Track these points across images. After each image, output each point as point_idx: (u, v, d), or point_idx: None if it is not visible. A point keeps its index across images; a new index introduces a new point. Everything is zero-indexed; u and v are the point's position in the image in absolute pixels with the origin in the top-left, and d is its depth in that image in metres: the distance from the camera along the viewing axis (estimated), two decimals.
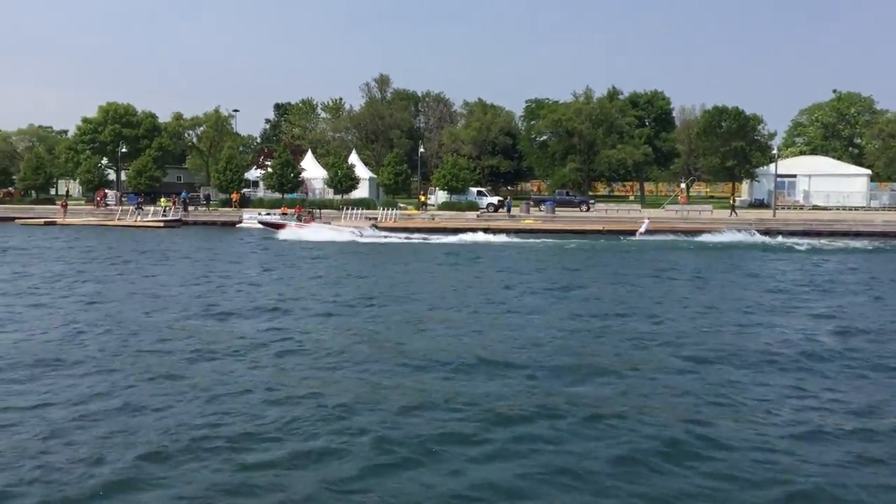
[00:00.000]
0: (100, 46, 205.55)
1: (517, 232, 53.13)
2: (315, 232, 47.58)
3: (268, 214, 61.15)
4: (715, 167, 74.64)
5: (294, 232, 47.74)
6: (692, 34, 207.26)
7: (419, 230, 56.00)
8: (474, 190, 69.96)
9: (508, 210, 65.05)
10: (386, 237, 48.16)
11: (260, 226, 57.07)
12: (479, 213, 64.94)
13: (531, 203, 68.55)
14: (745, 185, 78.21)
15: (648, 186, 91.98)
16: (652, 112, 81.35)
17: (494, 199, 69.26)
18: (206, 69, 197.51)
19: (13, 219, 62.72)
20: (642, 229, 50.46)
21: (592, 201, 70.30)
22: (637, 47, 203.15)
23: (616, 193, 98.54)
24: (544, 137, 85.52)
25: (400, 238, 47.54)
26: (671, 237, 47.96)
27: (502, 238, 47.37)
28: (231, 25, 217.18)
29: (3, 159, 79.02)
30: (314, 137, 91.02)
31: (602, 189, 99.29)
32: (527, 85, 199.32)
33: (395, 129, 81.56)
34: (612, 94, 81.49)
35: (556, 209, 64.24)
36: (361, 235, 47.96)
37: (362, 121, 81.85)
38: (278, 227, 49.95)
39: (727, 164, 71.68)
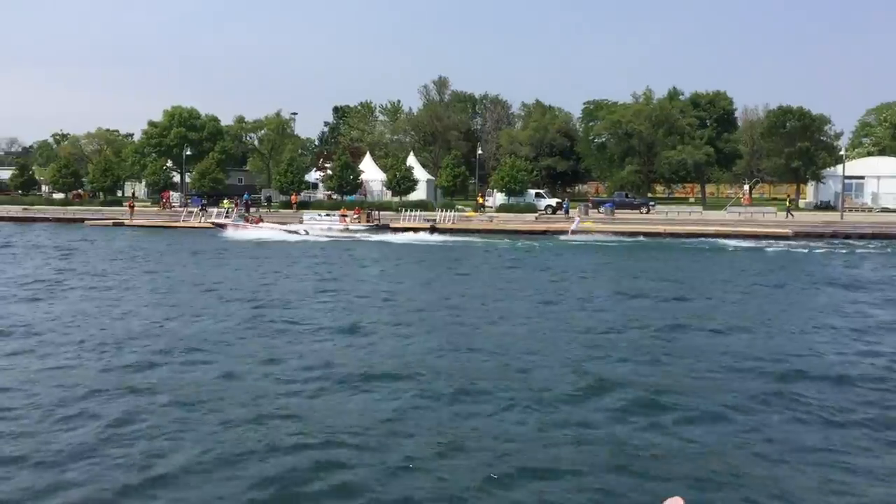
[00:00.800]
0: (163, 52, 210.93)
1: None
2: (255, 232, 50.48)
3: (327, 216, 62.05)
4: (779, 168, 73.08)
5: (237, 231, 50.98)
6: (756, 33, 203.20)
7: (477, 232, 56.18)
8: (532, 192, 69.67)
9: (566, 212, 64.64)
10: (330, 237, 50.71)
11: (318, 227, 58.10)
12: (537, 214, 64.66)
13: (590, 205, 68.01)
14: (810, 187, 76.32)
15: (709, 188, 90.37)
16: (714, 112, 79.90)
17: (553, 201, 68.86)
18: (266, 73, 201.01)
19: (83, 220, 64.61)
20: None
21: (652, 203, 69.37)
22: (699, 47, 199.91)
23: (676, 195, 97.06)
24: (603, 139, 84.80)
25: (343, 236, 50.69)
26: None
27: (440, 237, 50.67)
28: (291, 29, 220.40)
29: (74, 162, 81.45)
30: (372, 140, 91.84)
31: (661, 191, 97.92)
32: (585, 86, 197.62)
33: (452, 130, 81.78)
34: (673, 95, 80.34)
35: (616, 211, 63.61)
36: (306, 234, 51.20)
37: (420, 123, 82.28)
38: (223, 227, 52.87)
39: (792, 166, 70.11)
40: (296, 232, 51.46)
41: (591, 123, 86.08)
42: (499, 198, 70.18)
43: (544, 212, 66.18)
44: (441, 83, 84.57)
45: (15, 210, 71.15)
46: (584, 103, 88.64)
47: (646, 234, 51.72)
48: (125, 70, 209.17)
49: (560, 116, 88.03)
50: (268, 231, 50.95)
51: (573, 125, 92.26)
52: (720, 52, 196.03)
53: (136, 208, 66.53)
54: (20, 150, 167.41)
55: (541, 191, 72.17)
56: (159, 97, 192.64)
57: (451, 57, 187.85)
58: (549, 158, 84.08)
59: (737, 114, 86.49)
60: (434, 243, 45.74)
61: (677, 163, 74.79)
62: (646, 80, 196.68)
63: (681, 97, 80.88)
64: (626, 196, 70.60)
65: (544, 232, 54.90)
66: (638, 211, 66.24)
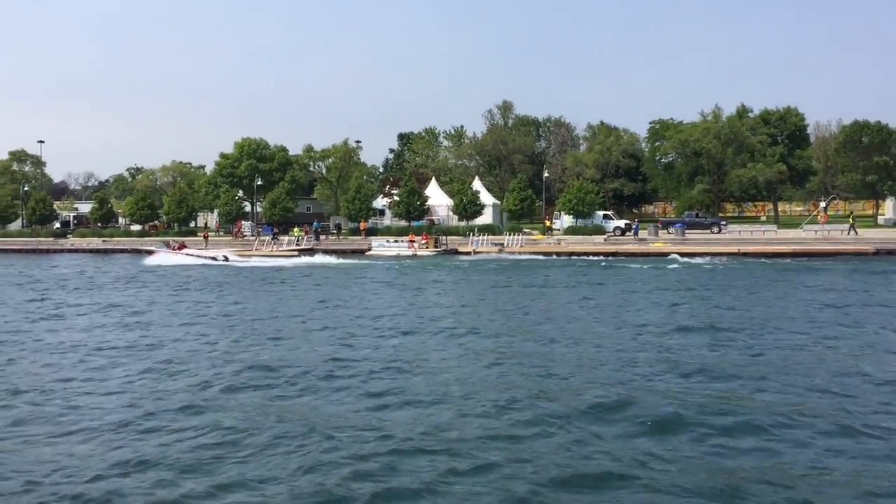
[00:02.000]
0: (233, 86, 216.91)
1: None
2: (176, 258, 53.59)
3: (395, 242, 62.72)
4: (855, 184, 71.07)
5: (158, 257, 54.23)
6: (826, 46, 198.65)
7: (545, 254, 55.97)
8: (600, 213, 69.14)
9: (636, 233, 63.89)
10: (247, 263, 52.90)
11: (386, 253, 58.95)
12: (605, 236, 64.12)
13: (659, 225, 67.16)
14: (888, 203, 73.93)
15: (781, 206, 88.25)
16: (785, 129, 78.16)
17: (621, 223, 68.20)
18: (332, 102, 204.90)
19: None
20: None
21: (724, 222, 68.10)
22: (767, 63, 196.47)
23: (746, 214, 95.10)
24: (670, 159, 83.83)
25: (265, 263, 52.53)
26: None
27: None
28: (355, 59, 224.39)
29: (150, 195, 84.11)
30: (437, 165, 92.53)
31: (731, 210, 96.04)
32: (650, 106, 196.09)
33: (517, 154, 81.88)
34: (742, 112, 78.93)
35: (686, 231, 62.64)
36: (226, 259, 54.13)
37: (485, 147, 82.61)
38: (150, 252, 56.78)
39: (868, 181, 68.10)
40: (214, 258, 54.35)
41: (657, 143, 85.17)
42: (566, 220, 69.81)
43: (613, 233, 65.57)
44: (505, 107, 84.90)
45: (95, 242, 73.75)
46: (650, 123, 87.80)
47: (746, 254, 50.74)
48: (197, 104, 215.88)
49: (625, 137, 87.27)
50: (188, 257, 54.12)
51: (639, 146, 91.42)
52: (789, 68, 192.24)
53: (209, 238, 68.22)
54: (97, 184, 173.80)
55: (608, 212, 71.56)
56: (230, 129, 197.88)
57: (514, 81, 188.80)
58: (616, 180, 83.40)
59: (808, 130, 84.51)
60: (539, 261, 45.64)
61: (748, 181, 73.35)
62: (713, 97, 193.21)
63: (750, 114, 79.41)
64: (697, 216, 69.49)
65: (614, 253, 54.47)
66: (709, 231, 65.10)
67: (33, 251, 70.61)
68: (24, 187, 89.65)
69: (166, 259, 53.54)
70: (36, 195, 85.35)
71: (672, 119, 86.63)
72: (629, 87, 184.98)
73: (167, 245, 58.58)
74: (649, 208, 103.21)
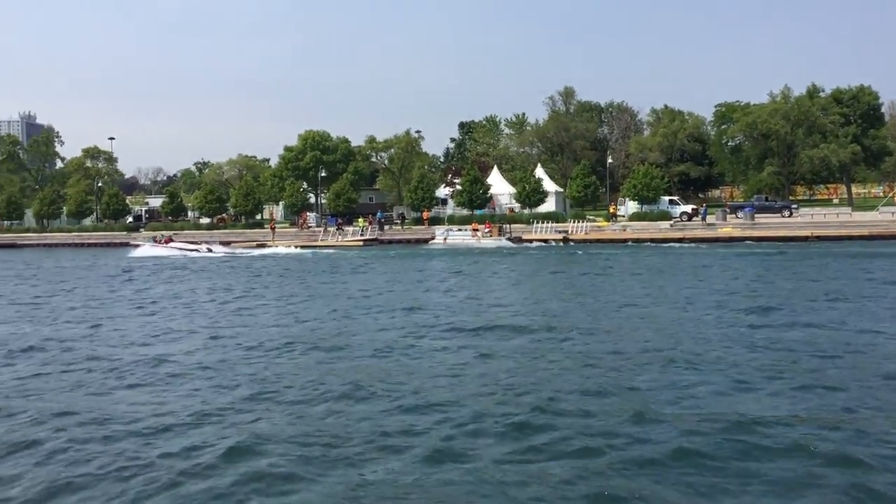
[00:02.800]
0: (295, 79, 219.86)
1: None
2: (159, 251, 56.34)
3: (458, 231, 62.86)
4: None
5: (143, 250, 57.04)
6: None
7: (612, 241, 55.46)
8: (666, 199, 68.05)
9: (704, 218, 62.75)
10: (232, 253, 55.75)
11: (450, 242, 59.24)
12: (672, 222, 63.15)
13: (727, 210, 65.85)
14: None
15: (855, 188, 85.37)
16: (858, 109, 75.59)
17: (688, 208, 67.02)
18: (391, 94, 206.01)
19: (229, 243, 67.92)
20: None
21: (795, 206, 66.34)
22: (838, 41, 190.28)
23: (818, 197, 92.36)
24: (737, 141, 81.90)
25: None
26: None
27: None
28: (415, 50, 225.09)
29: (218, 188, 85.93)
30: (498, 154, 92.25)
31: (802, 193, 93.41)
32: (715, 88, 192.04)
33: (579, 140, 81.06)
34: (813, 92, 76.56)
35: (756, 215, 61.29)
36: (210, 251, 56.48)
37: (546, 134, 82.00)
38: (136, 246, 59.74)
39: None
40: (197, 250, 56.73)
41: (724, 126, 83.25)
42: (631, 206, 68.93)
43: (679, 219, 64.51)
44: (567, 93, 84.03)
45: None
46: (716, 106, 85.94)
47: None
48: (260, 99, 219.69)
49: (691, 121, 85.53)
50: (172, 250, 56.67)
51: (704, 129, 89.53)
52: (861, 46, 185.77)
53: (276, 230, 69.43)
54: (165, 178, 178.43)
55: (675, 198, 70.39)
56: (292, 122, 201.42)
57: (575, 67, 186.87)
58: (681, 164, 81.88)
59: (883, 109, 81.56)
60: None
61: (819, 162, 71.20)
62: (781, 78, 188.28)
63: (821, 94, 76.99)
64: (766, 199, 67.84)
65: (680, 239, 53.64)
66: (780, 214, 63.52)
67: (108, 244, 72.98)
68: (97, 183, 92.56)
69: (150, 251, 56.22)
70: (109, 191, 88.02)
71: (739, 101, 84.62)
72: (693, 70, 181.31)
73: (154, 239, 61.38)
74: (715, 192, 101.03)
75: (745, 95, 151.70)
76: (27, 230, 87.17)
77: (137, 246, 59.64)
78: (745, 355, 13.69)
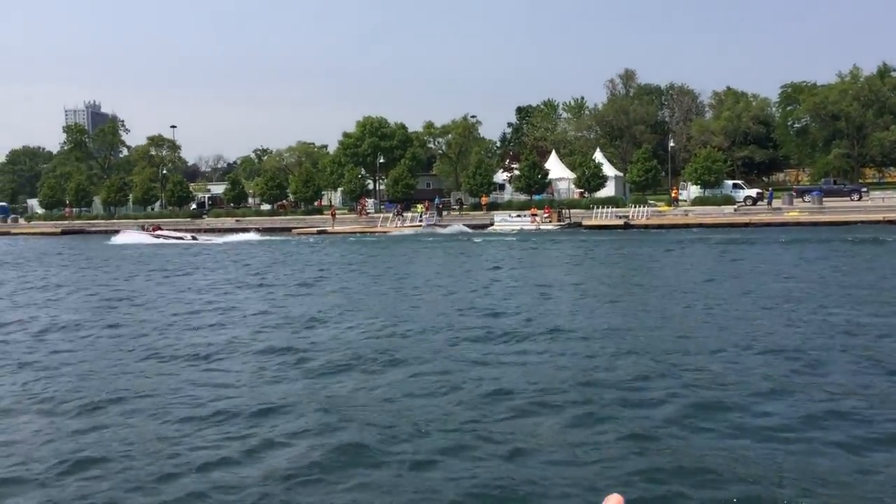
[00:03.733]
0: (352, 65, 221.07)
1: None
2: (140, 237, 58.37)
3: (518, 216, 62.64)
4: None
5: (122, 237, 59.60)
6: None
7: (670, 227, 54.59)
8: (729, 182, 66.64)
9: (769, 202, 61.29)
10: (214, 240, 57.22)
11: (509, 227, 59.08)
12: (736, 206, 61.81)
13: (794, 194, 64.18)
14: None
15: None
16: None
17: (752, 192, 65.51)
18: (446, 79, 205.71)
19: (290, 229, 68.89)
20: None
21: (865, 189, 64.33)
22: None
23: (888, 180, 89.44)
24: (803, 123, 79.80)
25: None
26: None
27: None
28: (471, 35, 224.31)
29: (278, 175, 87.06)
30: (556, 138, 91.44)
31: (871, 176, 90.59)
32: (780, 69, 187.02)
33: (639, 124, 79.80)
34: (884, 72, 74.06)
35: (824, 199, 59.62)
36: (195, 239, 58.42)
37: (606, 118, 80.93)
38: (116, 233, 62.85)
39: None
40: (182, 238, 58.78)
41: (789, 107, 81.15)
42: (693, 190, 67.70)
43: (743, 203, 63.07)
44: (627, 76, 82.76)
45: (229, 222, 77.14)
46: (781, 87, 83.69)
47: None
48: (318, 86, 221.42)
49: (755, 103, 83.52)
50: (158, 238, 58.38)
51: (768, 111, 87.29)
52: None
53: (336, 216, 70.09)
54: (225, 166, 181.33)
55: (739, 181, 68.89)
56: (349, 109, 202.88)
57: (634, 49, 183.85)
58: (745, 148, 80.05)
59: None
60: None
61: (891, 144, 68.95)
62: (850, 57, 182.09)
63: (893, 73, 74.42)
64: (835, 182, 65.93)
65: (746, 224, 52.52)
66: (849, 198, 61.66)
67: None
68: (162, 171, 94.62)
69: (130, 238, 58.62)
70: (174, 178, 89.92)
71: (805, 81, 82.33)
72: (756, 50, 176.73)
73: (142, 227, 63.54)
74: (780, 176, 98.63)
75: (811, 75, 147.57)
76: (95, 217, 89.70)
77: (118, 232, 62.84)
78: None
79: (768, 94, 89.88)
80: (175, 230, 64.04)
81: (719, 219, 55.98)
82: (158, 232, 60.79)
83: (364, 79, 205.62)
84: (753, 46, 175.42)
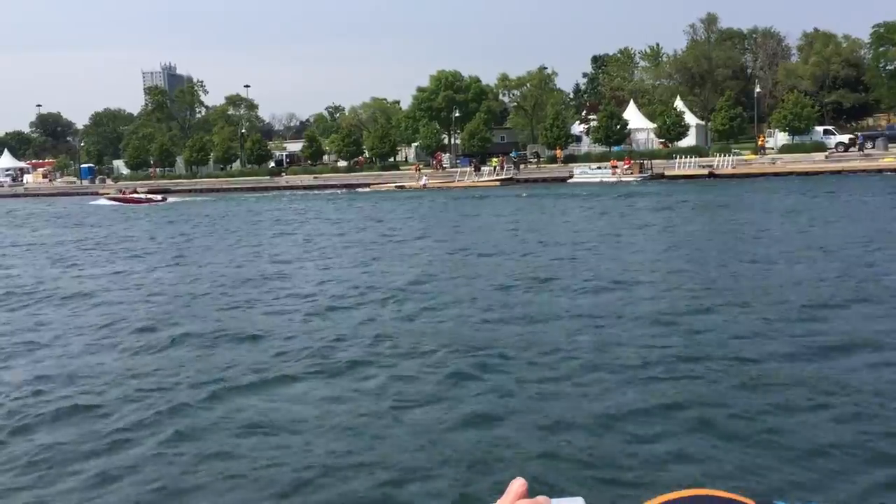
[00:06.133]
0: (419, 18, 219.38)
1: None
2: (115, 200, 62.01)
3: (598, 168, 61.82)
4: None
5: (100, 199, 64.67)
6: None
7: (759, 176, 53.08)
8: (819, 129, 64.17)
9: (861, 149, 58.94)
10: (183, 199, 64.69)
11: (589, 179, 58.44)
12: (827, 153, 59.53)
13: (887, 139, 61.40)
14: None
15: None
16: None
17: (844, 138, 62.90)
18: (520, 29, 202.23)
19: (368, 185, 69.47)
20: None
21: None
22: None
23: None
24: None
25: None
26: None
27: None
28: None
29: (354, 131, 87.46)
30: (633, 87, 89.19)
31: None
32: (872, 7, 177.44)
33: (722, 69, 76.99)
34: None
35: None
36: (164, 200, 63.16)
37: (686, 65, 78.34)
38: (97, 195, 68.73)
39: None
40: (151, 200, 62.28)
41: (882, 49, 77.03)
42: (780, 138, 65.46)
43: (835, 150, 60.68)
44: (709, 20, 79.71)
45: (307, 179, 78.19)
46: (874, 27, 79.26)
47: None
48: (387, 40, 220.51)
49: (846, 45, 79.63)
50: (129, 201, 60.98)
51: (858, 53, 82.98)
52: None
53: (421, 170, 70.28)
54: (298, 124, 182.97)
55: (830, 127, 66.23)
56: (419, 63, 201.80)
57: None
58: (834, 92, 76.64)
59: None
60: None
61: None
62: None
63: None
64: None
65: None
66: None
67: (254, 188, 76.08)
68: (241, 130, 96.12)
69: (108, 200, 62.83)
70: (253, 137, 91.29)
71: None
72: None
73: (119, 191, 68.00)
74: (869, 121, 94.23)
75: None
76: (179, 177, 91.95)
77: (98, 195, 68.54)
78: None
79: (860, 35, 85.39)
80: (150, 191, 69.21)
81: (810, 166, 54.15)
82: (135, 195, 64.53)
83: (435, 33, 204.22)
84: None
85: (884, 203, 30.46)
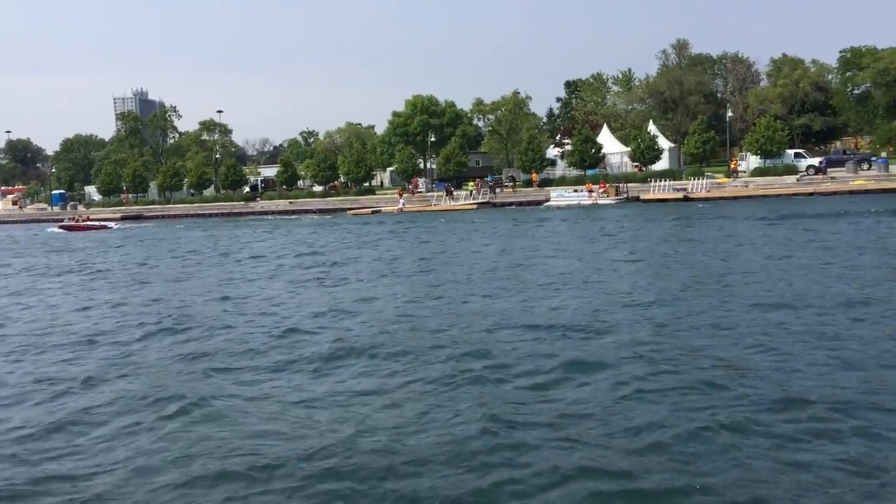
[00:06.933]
0: (395, 44, 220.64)
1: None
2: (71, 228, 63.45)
3: (574, 191, 62.13)
4: None
5: (54, 228, 65.32)
6: None
7: (733, 199, 53.63)
8: (791, 152, 65.24)
9: (823, 173, 60.15)
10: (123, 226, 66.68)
11: (566, 203, 58.77)
12: (798, 176, 60.45)
13: (857, 162, 62.56)
14: None
15: None
16: None
17: (815, 161, 63.99)
18: (494, 54, 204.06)
19: (345, 209, 69.29)
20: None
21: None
22: None
23: None
24: (864, 89, 77.23)
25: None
26: None
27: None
28: (516, 11, 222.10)
29: (330, 156, 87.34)
30: (606, 112, 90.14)
31: None
32: (837, 34, 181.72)
33: (693, 95, 78.08)
34: None
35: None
36: (115, 226, 64.82)
37: (659, 89, 79.36)
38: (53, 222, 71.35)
39: None
40: (105, 226, 64.57)
41: (849, 73, 78.57)
42: (752, 161, 66.37)
43: (806, 173, 61.67)
44: (680, 46, 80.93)
45: (283, 204, 77.76)
46: (840, 52, 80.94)
47: None
48: (361, 66, 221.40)
49: (814, 69, 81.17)
50: (84, 229, 62.61)
51: (825, 78, 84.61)
52: None
53: (404, 195, 70.26)
54: (271, 149, 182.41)
55: (801, 151, 67.38)
56: (393, 89, 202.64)
57: (680, 19, 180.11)
58: (803, 116, 77.98)
59: None
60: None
61: None
62: None
63: None
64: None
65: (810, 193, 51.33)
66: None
67: (229, 214, 75.64)
68: (215, 155, 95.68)
69: (59, 229, 63.73)
70: (227, 162, 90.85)
71: (865, 46, 79.54)
72: (811, 16, 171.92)
73: (72, 219, 69.24)
74: (837, 144, 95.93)
75: (870, 39, 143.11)
76: (152, 202, 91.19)
77: (52, 222, 70.74)
78: None
79: (826, 60, 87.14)
80: (102, 219, 71.58)
81: (782, 189, 54.84)
82: (88, 222, 66.52)
83: (408, 57, 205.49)
84: (809, 12, 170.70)
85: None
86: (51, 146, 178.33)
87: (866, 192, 49.65)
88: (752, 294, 16.00)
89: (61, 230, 63.44)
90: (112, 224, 66.91)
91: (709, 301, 15.49)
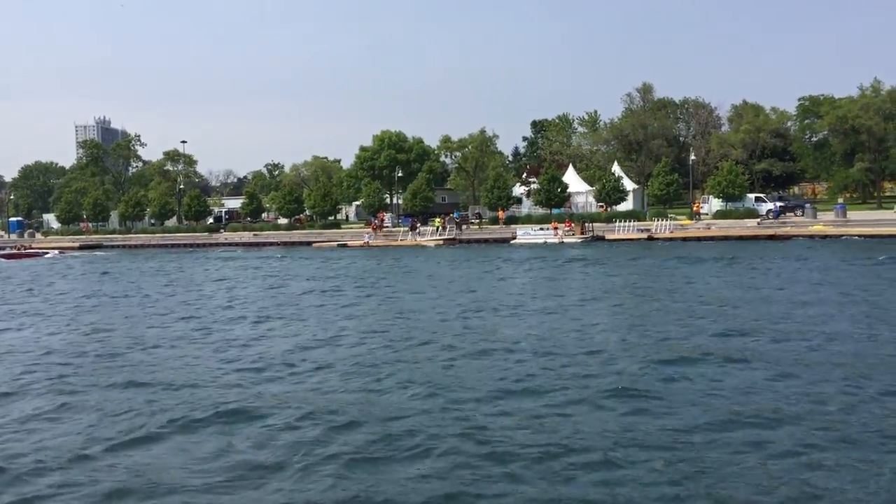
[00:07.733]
0: (361, 80, 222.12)
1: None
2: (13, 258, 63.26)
3: (540, 230, 62.44)
4: None
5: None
6: None
7: (696, 239, 54.34)
8: (752, 196, 66.56)
9: (776, 217, 61.52)
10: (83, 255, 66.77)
11: (532, 241, 58.96)
12: (759, 219, 61.59)
13: (815, 208, 64.03)
14: None
15: None
16: None
17: (774, 205, 65.32)
18: (461, 94, 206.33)
19: (310, 243, 68.84)
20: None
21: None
22: None
23: None
24: (821, 136, 79.52)
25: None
26: None
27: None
28: (486, 51, 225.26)
29: (296, 189, 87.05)
30: (571, 152, 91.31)
31: (889, 189, 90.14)
32: (795, 82, 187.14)
33: (657, 138, 79.49)
34: None
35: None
36: (59, 253, 66.52)
37: (623, 131, 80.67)
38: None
39: None
40: (47, 254, 65.67)
41: (807, 121, 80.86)
42: (714, 204, 67.53)
43: (766, 216, 62.87)
44: (645, 90, 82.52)
45: (247, 236, 77.06)
46: (799, 99, 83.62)
47: None
48: (326, 100, 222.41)
49: (775, 116, 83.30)
50: (27, 257, 63.64)
51: (785, 124, 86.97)
52: None
53: (377, 229, 70.33)
54: (235, 180, 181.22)
55: (762, 195, 68.80)
56: (359, 123, 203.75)
57: (646, 64, 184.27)
58: (764, 161, 79.82)
59: None
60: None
61: None
62: (867, 70, 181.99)
63: None
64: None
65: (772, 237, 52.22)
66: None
67: (192, 245, 74.64)
68: (179, 185, 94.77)
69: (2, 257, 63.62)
70: (191, 192, 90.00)
71: (823, 95, 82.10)
72: (770, 64, 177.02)
73: (13, 248, 69.81)
74: (795, 189, 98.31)
75: (825, 89, 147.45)
76: (112, 231, 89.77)
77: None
78: None
79: (783, 107, 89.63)
80: (42, 248, 72.50)
81: (744, 231, 55.72)
82: (29, 250, 67.83)
83: (375, 93, 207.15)
84: (769, 60, 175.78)
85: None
86: (9, 173, 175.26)
87: (825, 236, 50.59)
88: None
89: (1, 259, 62.60)
90: (51, 252, 67.18)
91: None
